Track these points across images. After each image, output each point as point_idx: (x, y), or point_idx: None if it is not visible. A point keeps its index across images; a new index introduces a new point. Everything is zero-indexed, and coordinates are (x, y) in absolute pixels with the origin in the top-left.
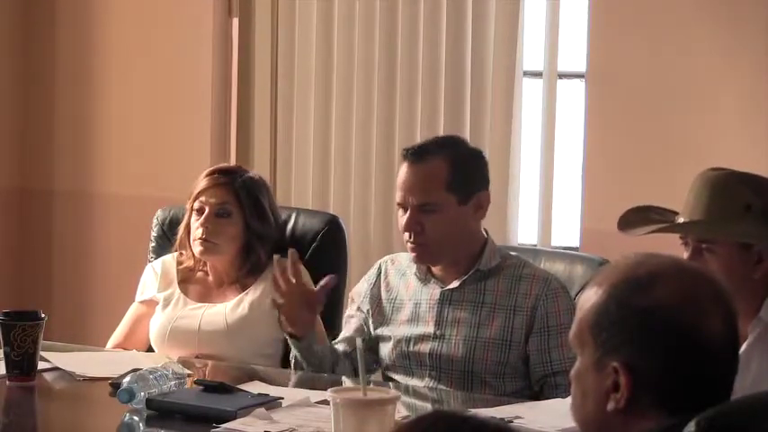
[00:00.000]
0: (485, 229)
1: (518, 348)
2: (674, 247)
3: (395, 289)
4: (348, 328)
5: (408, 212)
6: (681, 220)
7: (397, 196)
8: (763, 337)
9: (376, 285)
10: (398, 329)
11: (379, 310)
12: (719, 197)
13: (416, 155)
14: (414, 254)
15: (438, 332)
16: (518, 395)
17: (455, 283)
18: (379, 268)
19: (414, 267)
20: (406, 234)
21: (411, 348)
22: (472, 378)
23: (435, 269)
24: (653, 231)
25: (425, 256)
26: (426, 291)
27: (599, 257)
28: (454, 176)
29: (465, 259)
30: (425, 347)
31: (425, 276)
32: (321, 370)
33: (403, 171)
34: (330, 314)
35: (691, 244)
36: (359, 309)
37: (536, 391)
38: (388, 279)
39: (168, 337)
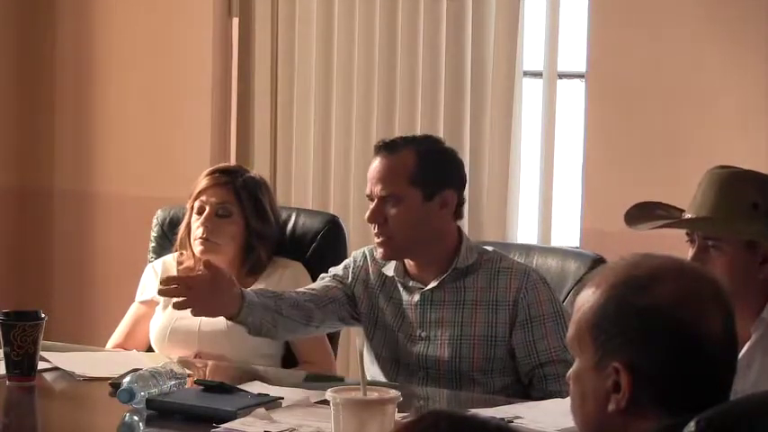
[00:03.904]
0: (458, 226)
1: (503, 343)
2: (674, 247)
3: (379, 280)
4: (325, 284)
5: (373, 204)
6: (687, 216)
7: (366, 188)
8: (765, 338)
9: (363, 270)
10: (383, 328)
11: (368, 296)
12: (727, 195)
13: (386, 148)
14: (379, 249)
15: (423, 334)
16: (508, 390)
17: (434, 284)
18: (365, 254)
19: (391, 268)
20: (372, 227)
21: (397, 351)
22: (460, 377)
23: (412, 270)
24: (661, 226)
25: (389, 250)
26: (406, 293)
27: (592, 253)
28: (420, 171)
29: (441, 258)
30: (411, 350)
31: (404, 279)
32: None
33: (373, 163)
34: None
35: (697, 241)
36: (345, 284)
37: (525, 385)
38: (374, 267)
39: (168, 338)
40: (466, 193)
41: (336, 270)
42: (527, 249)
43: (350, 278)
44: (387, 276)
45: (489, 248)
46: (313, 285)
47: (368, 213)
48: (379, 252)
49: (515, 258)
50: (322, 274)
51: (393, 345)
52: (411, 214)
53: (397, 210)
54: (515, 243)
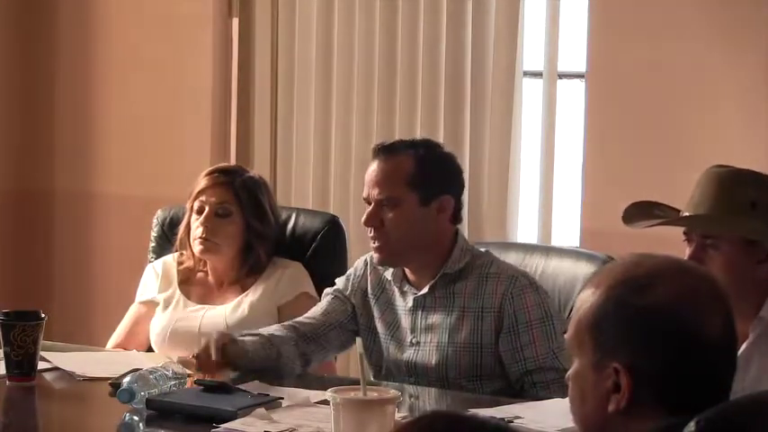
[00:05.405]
0: (457, 229)
1: (490, 351)
2: (674, 247)
3: (378, 288)
4: (325, 309)
5: (370, 207)
6: (685, 215)
7: (363, 191)
8: (763, 337)
9: (363, 279)
10: (380, 336)
11: (365, 306)
12: (725, 193)
13: (385, 151)
14: (376, 255)
15: (414, 340)
16: (498, 396)
17: (425, 289)
18: (366, 262)
19: (390, 272)
20: (368, 231)
21: (390, 356)
22: (448, 384)
23: (409, 275)
24: (658, 224)
25: (384, 255)
26: (402, 298)
27: (605, 255)
28: (418, 174)
29: (434, 263)
30: (402, 355)
31: (401, 284)
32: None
33: (370, 167)
34: None
35: (695, 239)
36: (345, 296)
37: (517, 390)
38: (373, 276)
39: (168, 339)
40: (466, 193)
41: (339, 283)
42: (546, 251)
43: (349, 290)
44: (387, 281)
45: (483, 250)
46: (315, 312)
47: (364, 217)
48: (375, 258)
49: (539, 260)
50: (327, 290)
51: (387, 354)
52: (407, 218)
53: (393, 213)
54: (538, 245)
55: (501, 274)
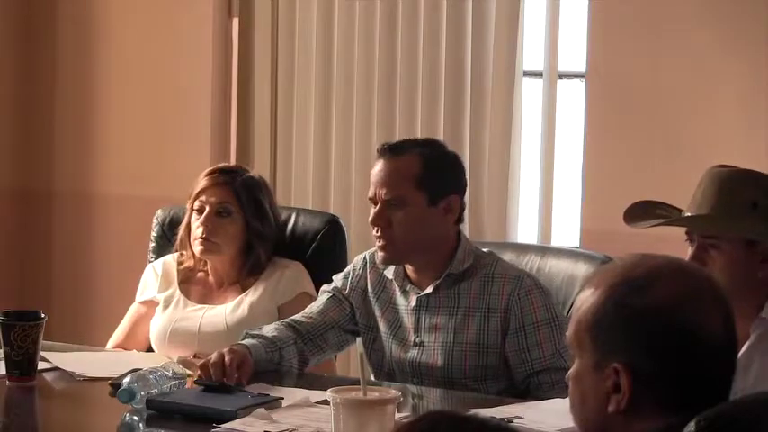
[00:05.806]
0: (459, 229)
1: (496, 351)
2: (675, 247)
3: (378, 286)
4: (322, 308)
5: (377, 207)
6: (686, 215)
7: (369, 191)
8: (764, 338)
9: (362, 278)
10: (381, 336)
11: (365, 305)
12: (726, 194)
13: (391, 150)
14: (380, 253)
15: (417, 339)
16: (502, 395)
17: (429, 289)
18: (365, 260)
19: (391, 271)
20: (374, 230)
21: (392, 356)
22: (453, 384)
23: (411, 274)
24: (659, 224)
25: (389, 255)
26: (404, 297)
27: (602, 255)
28: (426, 175)
29: (438, 263)
30: (405, 355)
31: (403, 283)
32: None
33: (376, 166)
34: None
35: (696, 240)
36: (343, 295)
37: (522, 390)
38: (372, 274)
39: (168, 339)
40: (466, 194)
41: (337, 281)
42: (542, 251)
43: (348, 289)
44: (387, 280)
45: (486, 251)
46: (312, 311)
47: (371, 217)
48: (378, 257)
49: (534, 259)
50: (324, 286)
51: (389, 353)
52: (415, 217)
53: (401, 213)
54: (533, 244)
55: (506, 275)
